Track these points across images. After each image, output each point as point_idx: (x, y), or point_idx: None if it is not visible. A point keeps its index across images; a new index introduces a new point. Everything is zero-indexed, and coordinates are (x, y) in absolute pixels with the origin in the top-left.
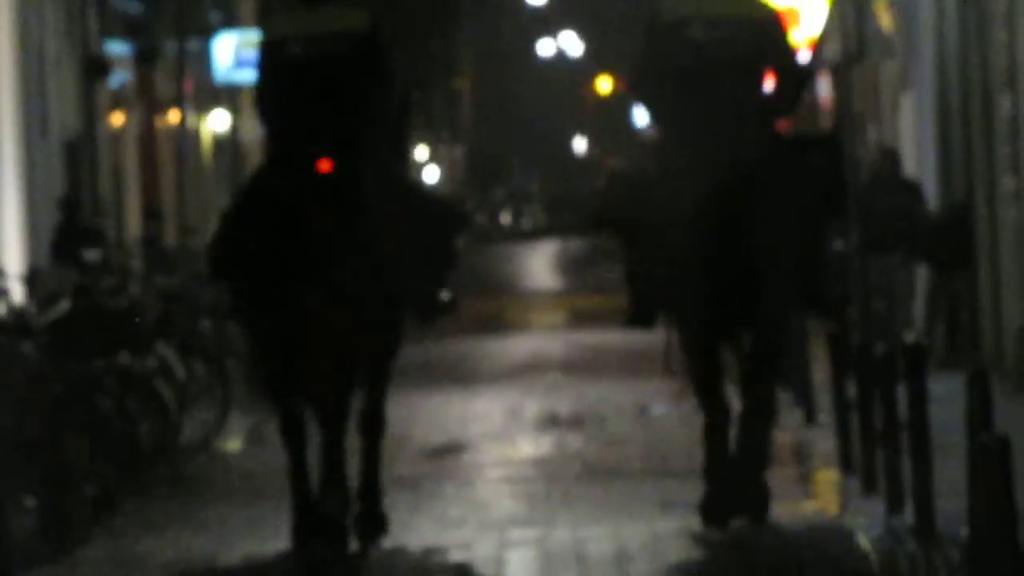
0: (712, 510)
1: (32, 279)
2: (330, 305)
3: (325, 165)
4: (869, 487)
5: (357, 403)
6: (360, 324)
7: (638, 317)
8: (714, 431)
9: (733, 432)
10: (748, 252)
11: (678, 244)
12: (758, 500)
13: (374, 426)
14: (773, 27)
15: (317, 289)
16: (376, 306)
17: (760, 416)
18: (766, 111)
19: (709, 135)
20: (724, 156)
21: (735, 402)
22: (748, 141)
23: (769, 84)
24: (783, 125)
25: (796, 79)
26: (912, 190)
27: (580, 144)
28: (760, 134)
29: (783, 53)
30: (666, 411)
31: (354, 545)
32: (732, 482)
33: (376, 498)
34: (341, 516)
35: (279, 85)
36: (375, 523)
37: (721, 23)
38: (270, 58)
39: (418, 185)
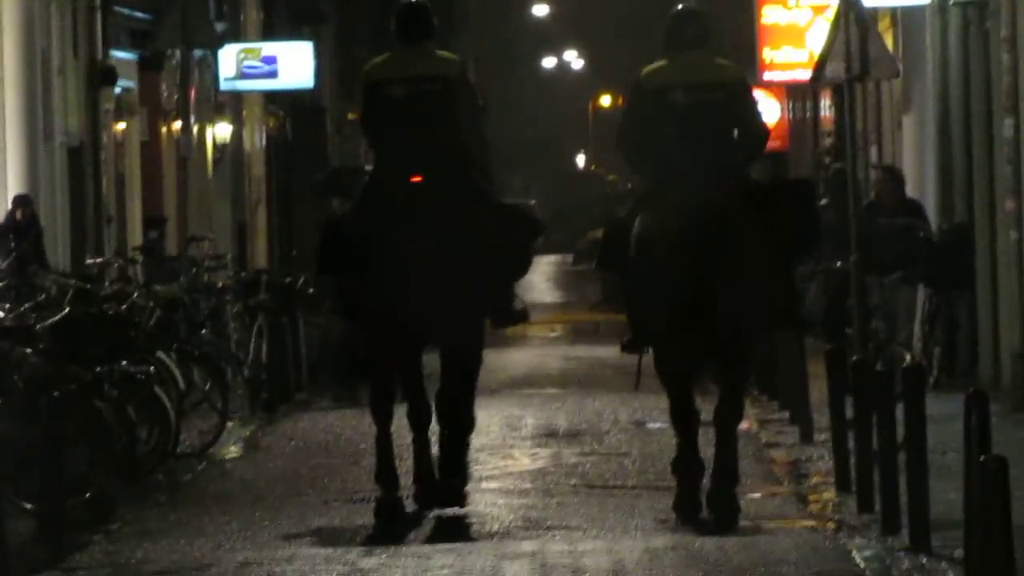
0: (685, 513)
1: (31, 284)
2: (420, 296)
3: (417, 178)
4: (866, 506)
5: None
6: (445, 315)
7: (634, 345)
8: (684, 445)
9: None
10: (723, 292)
11: (662, 286)
12: (730, 512)
13: (468, 422)
14: (740, 90)
15: (411, 282)
16: (458, 299)
17: (730, 437)
18: (737, 162)
19: (689, 186)
20: (703, 204)
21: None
22: (723, 190)
23: (738, 137)
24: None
25: (760, 134)
26: (913, 210)
27: (581, 160)
28: (733, 183)
29: (749, 112)
30: (662, 425)
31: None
32: (699, 491)
33: (463, 477)
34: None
35: (383, 116)
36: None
37: (697, 87)
38: (375, 94)
39: (497, 198)
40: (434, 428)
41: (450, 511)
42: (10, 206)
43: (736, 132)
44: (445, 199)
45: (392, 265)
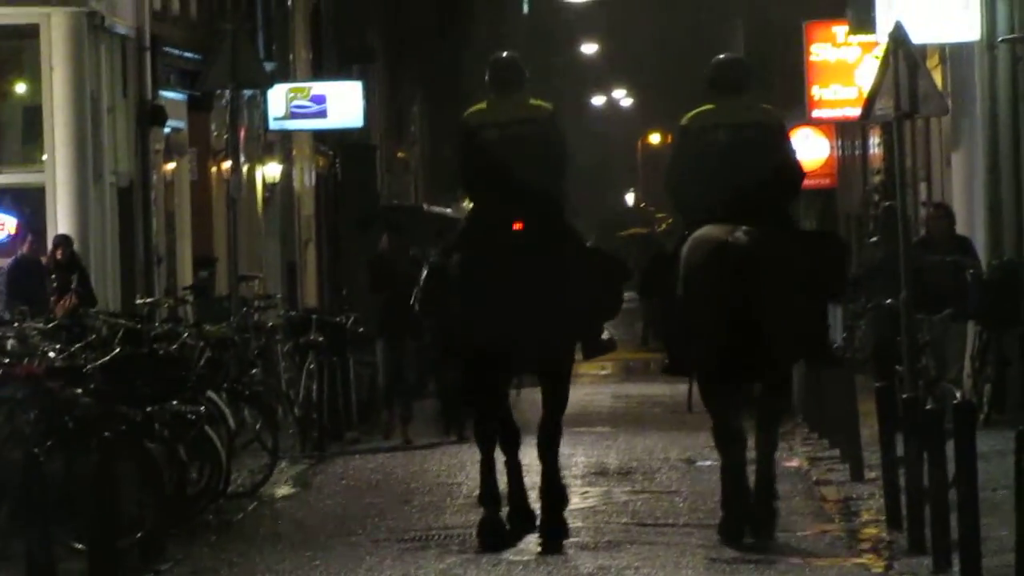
0: (728, 532)
1: (81, 324)
2: (522, 334)
3: (519, 225)
4: (916, 544)
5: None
6: (543, 352)
7: (672, 368)
8: (728, 466)
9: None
10: (758, 318)
11: (701, 312)
12: (769, 521)
13: (557, 440)
14: (778, 132)
15: (514, 321)
16: (557, 337)
17: (770, 453)
18: (775, 200)
19: (729, 223)
20: (743, 241)
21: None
22: (763, 228)
23: (775, 177)
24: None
25: (796, 175)
26: (963, 247)
27: (631, 198)
28: (776, 220)
29: (786, 152)
30: (713, 463)
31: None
32: (744, 509)
33: (563, 505)
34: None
35: (480, 160)
36: (563, 529)
37: (739, 128)
38: (472, 139)
39: (587, 242)
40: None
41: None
42: (50, 247)
43: (774, 172)
44: (545, 244)
45: (498, 304)
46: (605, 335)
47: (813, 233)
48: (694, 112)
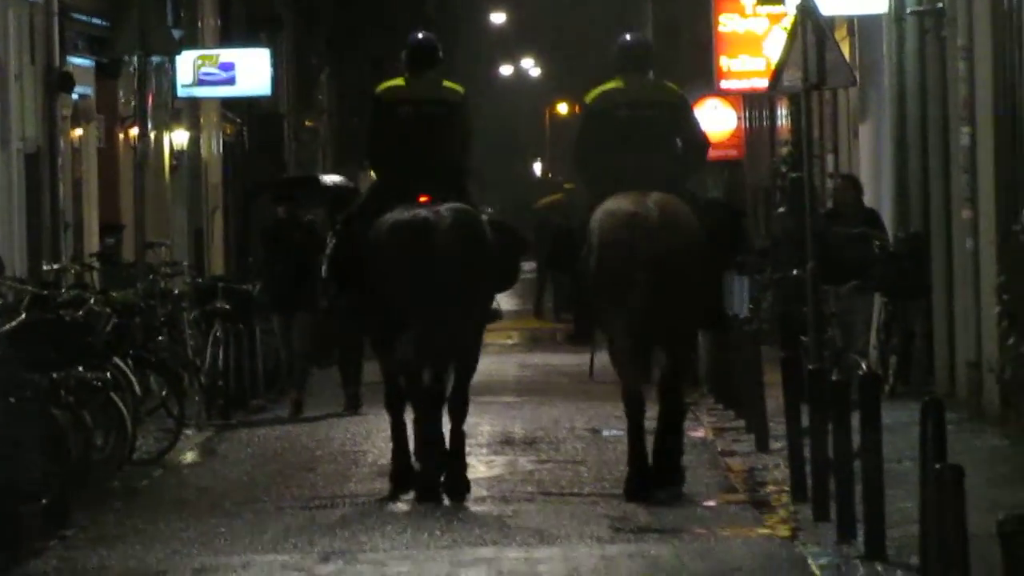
0: (633, 490)
1: None
2: (429, 306)
3: (425, 198)
4: (821, 514)
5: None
6: (452, 323)
7: (578, 337)
8: (635, 427)
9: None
10: (666, 286)
11: (607, 281)
12: (676, 479)
13: (464, 406)
14: (682, 107)
15: (419, 293)
16: (461, 309)
17: (676, 415)
18: (679, 173)
19: (635, 194)
20: (649, 211)
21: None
22: (668, 197)
23: (681, 150)
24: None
25: (701, 146)
26: (870, 219)
27: (538, 168)
28: (677, 192)
29: (691, 127)
30: (618, 433)
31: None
32: (648, 467)
33: (463, 464)
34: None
35: (390, 135)
36: (464, 484)
37: (642, 105)
38: (384, 113)
39: (482, 212)
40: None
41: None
42: None
43: (677, 146)
44: (449, 219)
45: (402, 277)
46: (495, 305)
47: (711, 202)
48: (599, 89)
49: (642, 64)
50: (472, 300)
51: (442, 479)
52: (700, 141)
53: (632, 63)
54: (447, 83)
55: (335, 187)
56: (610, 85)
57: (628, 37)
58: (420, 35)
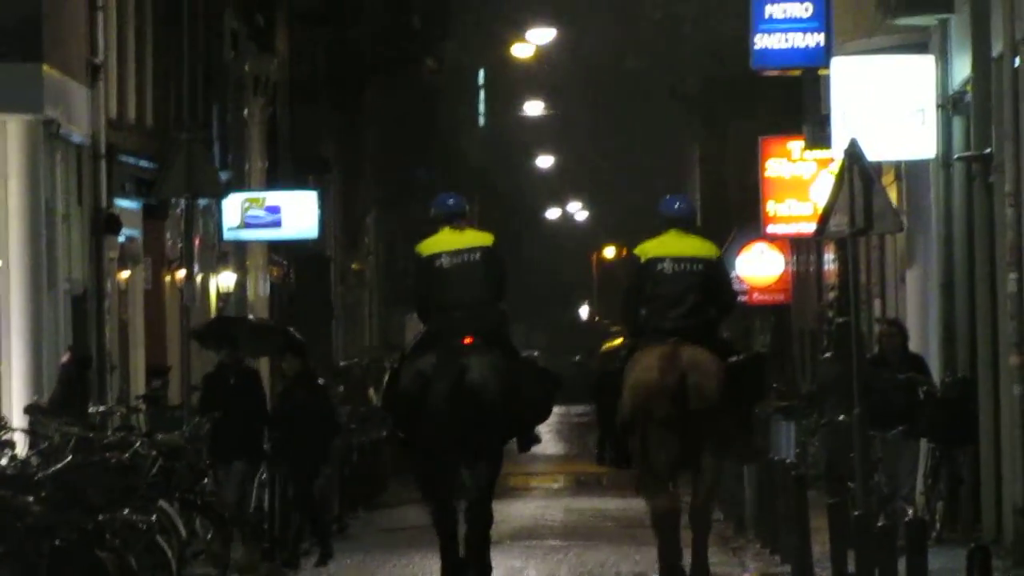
0: None
1: (35, 431)
2: (465, 434)
3: (469, 340)
4: None
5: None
6: (485, 447)
7: (603, 460)
8: (664, 543)
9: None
10: (696, 420)
11: (642, 417)
12: None
13: (488, 518)
14: (717, 264)
15: (460, 422)
16: (493, 439)
17: (703, 558)
18: (714, 321)
19: (673, 341)
20: (686, 355)
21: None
22: (703, 345)
23: (715, 302)
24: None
25: (731, 300)
26: (916, 365)
27: (584, 311)
28: (711, 338)
29: (724, 283)
30: None
31: None
32: (683, 568)
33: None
34: None
35: (433, 285)
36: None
37: (682, 261)
38: (425, 268)
39: (522, 354)
40: None
41: None
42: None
43: (711, 297)
44: (489, 359)
45: (444, 407)
46: (536, 434)
47: (736, 351)
48: (645, 245)
49: (686, 221)
50: (494, 433)
51: None
52: (730, 294)
53: (677, 220)
54: (477, 232)
55: (277, 328)
56: (656, 240)
57: (673, 196)
58: (448, 194)
